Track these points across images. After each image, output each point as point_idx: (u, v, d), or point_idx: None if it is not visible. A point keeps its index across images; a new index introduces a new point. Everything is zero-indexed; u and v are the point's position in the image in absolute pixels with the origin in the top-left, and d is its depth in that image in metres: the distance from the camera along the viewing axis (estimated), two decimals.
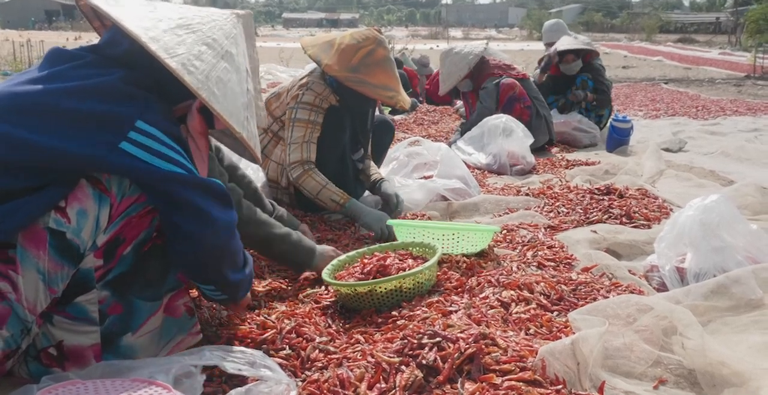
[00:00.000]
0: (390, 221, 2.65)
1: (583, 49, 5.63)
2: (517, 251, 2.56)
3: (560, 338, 1.66)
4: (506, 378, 1.47)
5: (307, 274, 2.22)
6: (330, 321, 1.91)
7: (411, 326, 1.72)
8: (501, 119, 4.44)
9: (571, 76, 5.70)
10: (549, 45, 6.83)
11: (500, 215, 3.18)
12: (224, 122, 1.47)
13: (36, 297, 1.29)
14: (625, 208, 3.10)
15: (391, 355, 1.55)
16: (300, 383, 1.53)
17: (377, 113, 3.38)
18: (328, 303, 2.04)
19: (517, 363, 1.52)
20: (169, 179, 1.36)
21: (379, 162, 3.50)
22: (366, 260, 2.18)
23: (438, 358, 1.51)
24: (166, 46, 1.41)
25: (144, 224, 1.44)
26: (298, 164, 2.86)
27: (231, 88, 1.51)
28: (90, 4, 1.48)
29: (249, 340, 1.71)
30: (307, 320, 1.85)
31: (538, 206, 3.29)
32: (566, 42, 5.73)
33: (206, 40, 1.51)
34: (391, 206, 3.00)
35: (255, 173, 2.99)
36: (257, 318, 1.84)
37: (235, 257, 1.57)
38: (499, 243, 2.67)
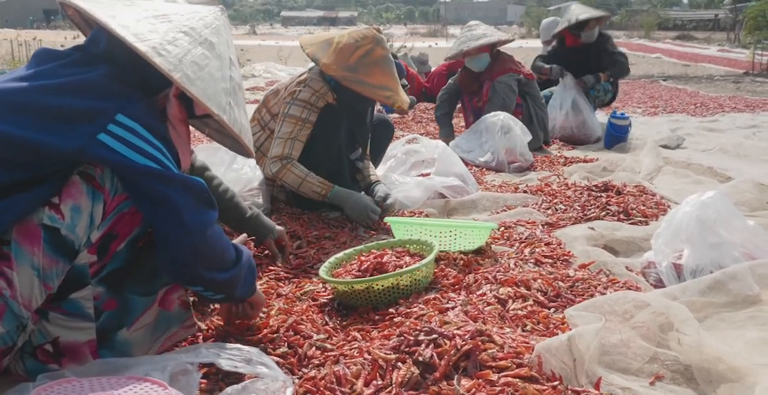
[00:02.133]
0: (387, 219, 2.65)
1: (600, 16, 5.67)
2: (515, 248, 2.56)
3: (557, 334, 1.66)
4: (503, 374, 1.47)
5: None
6: (327, 319, 1.91)
7: (408, 323, 1.72)
8: (499, 117, 4.44)
9: (586, 48, 5.65)
10: (546, 43, 6.83)
11: (498, 213, 3.18)
12: (200, 104, 1.44)
13: (31, 293, 1.29)
14: (622, 205, 3.10)
15: (388, 352, 1.55)
16: (297, 380, 1.53)
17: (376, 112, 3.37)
18: (325, 300, 2.04)
19: (514, 360, 1.52)
20: (144, 173, 1.35)
21: (377, 161, 3.49)
22: (363, 258, 2.18)
23: (434, 355, 1.52)
24: (137, 32, 1.40)
25: (136, 221, 1.44)
26: (277, 158, 2.86)
27: (209, 72, 1.49)
28: (64, 3, 1.48)
29: (245, 337, 1.71)
30: (304, 317, 1.85)
31: (536, 204, 3.29)
32: (582, 10, 5.71)
33: (182, 28, 1.50)
34: (382, 209, 2.94)
35: (253, 171, 2.98)
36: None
37: (216, 257, 1.49)
38: (496, 240, 2.67)
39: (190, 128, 1.66)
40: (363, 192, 3.17)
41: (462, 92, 5.21)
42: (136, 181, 1.36)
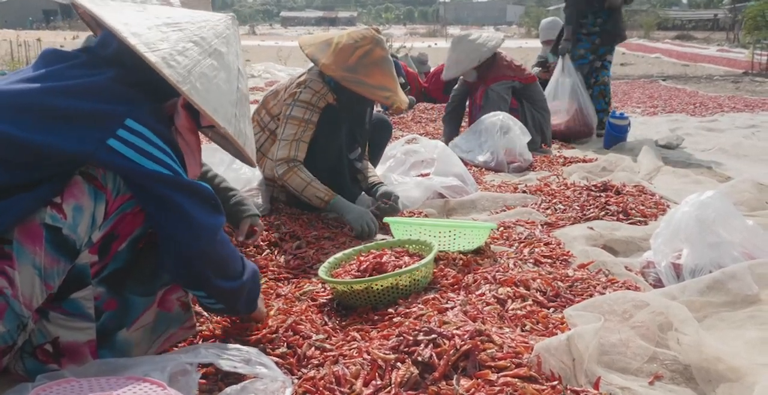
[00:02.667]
0: (387, 219, 2.65)
1: None
2: (514, 248, 2.56)
3: (556, 334, 1.66)
4: (502, 374, 1.47)
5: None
6: (326, 319, 1.91)
7: (407, 323, 1.72)
8: (498, 117, 4.45)
9: None
10: (546, 43, 6.83)
11: (497, 213, 3.18)
12: (207, 116, 1.45)
13: (32, 292, 1.30)
14: (621, 205, 3.10)
15: (387, 352, 1.55)
16: (296, 380, 1.53)
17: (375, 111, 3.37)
18: (324, 300, 2.04)
19: (513, 360, 1.52)
20: (154, 179, 1.36)
21: (376, 161, 3.49)
22: (362, 258, 2.18)
23: (434, 355, 1.51)
24: (148, 41, 1.40)
25: (138, 221, 1.44)
26: (283, 161, 2.86)
27: (217, 84, 1.49)
28: (75, 3, 1.48)
29: (245, 337, 1.71)
30: (303, 317, 1.85)
31: (535, 203, 3.29)
32: None
33: (193, 37, 1.50)
34: (389, 209, 2.96)
35: (252, 172, 2.98)
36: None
37: (223, 263, 1.51)
38: (495, 240, 2.67)
39: None
40: (364, 192, 3.18)
41: (469, 91, 5.25)
42: (145, 186, 1.37)
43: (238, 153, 1.81)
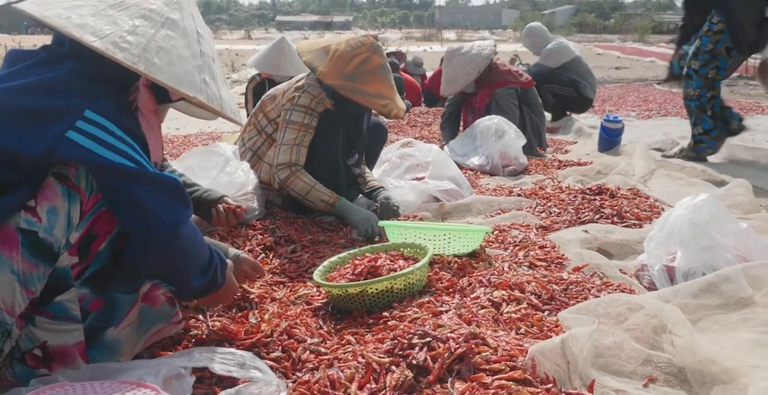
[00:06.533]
0: (382, 222, 2.66)
1: None
2: (509, 251, 2.56)
3: (551, 337, 1.66)
4: (496, 377, 1.47)
5: None
6: (321, 322, 1.91)
7: (402, 326, 1.72)
8: (493, 120, 4.46)
9: None
10: (544, 56, 6.65)
11: (492, 216, 3.18)
12: (173, 89, 1.41)
13: (13, 298, 1.28)
14: (616, 208, 3.11)
15: (382, 355, 1.55)
16: (291, 384, 1.53)
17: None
18: (319, 304, 2.04)
19: (507, 363, 1.52)
20: (115, 170, 1.32)
21: (371, 165, 3.50)
22: (357, 262, 2.18)
23: (428, 358, 1.52)
24: (94, 30, 1.36)
25: (116, 219, 1.42)
26: (285, 165, 2.87)
27: (177, 53, 1.44)
28: (16, 9, 1.44)
29: (239, 341, 1.71)
30: (298, 321, 1.85)
31: (530, 207, 3.29)
32: None
33: (141, 12, 1.45)
34: (390, 212, 2.98)
35: (246, 175, 2.98)
36: (249, 319, 1.84)
37: (188, 258, 1.48)
38: (490, 244, 2.67)
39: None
40: (360, 195, 3.19)
41: (466, 96, 5.24)
42: (104, 177, 1.34)
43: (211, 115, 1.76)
